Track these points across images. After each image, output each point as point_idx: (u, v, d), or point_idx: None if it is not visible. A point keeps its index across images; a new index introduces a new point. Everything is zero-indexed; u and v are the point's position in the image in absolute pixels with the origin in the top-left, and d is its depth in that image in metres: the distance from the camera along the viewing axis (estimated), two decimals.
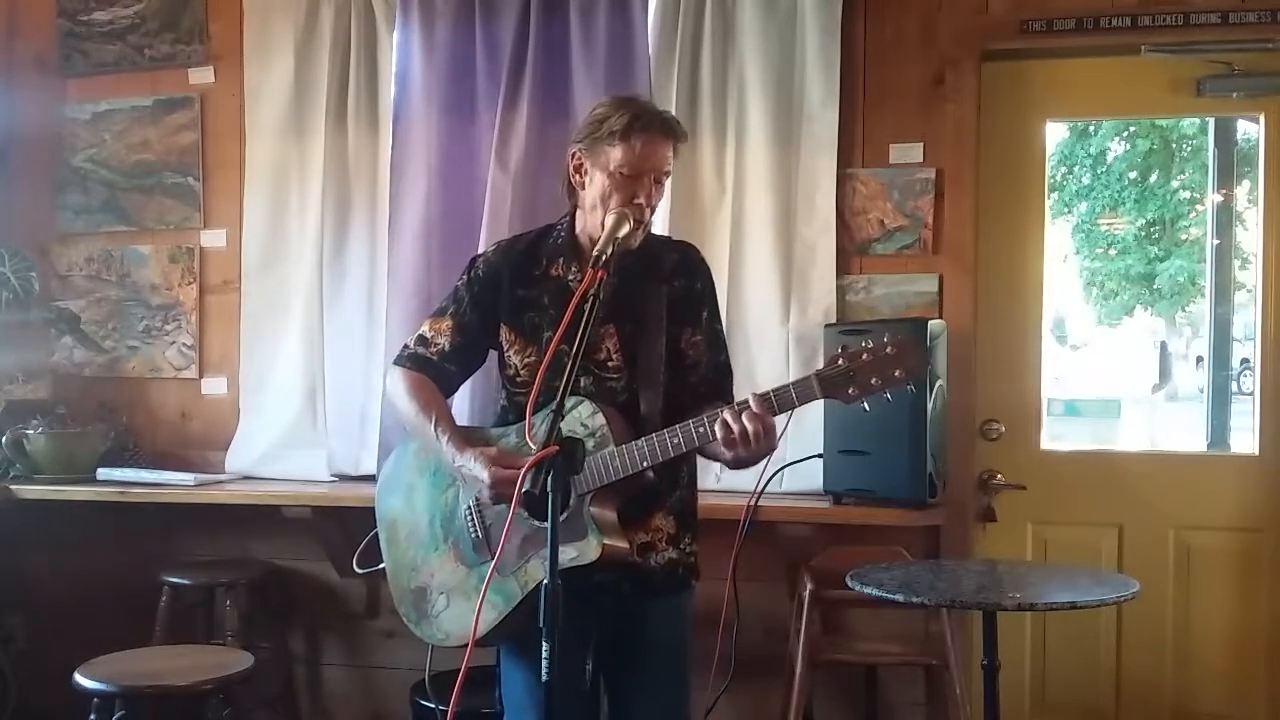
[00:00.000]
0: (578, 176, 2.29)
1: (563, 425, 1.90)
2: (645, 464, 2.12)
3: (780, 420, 2.12)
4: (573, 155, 2.29)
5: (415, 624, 2.37)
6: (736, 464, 2.13)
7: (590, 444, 2.13)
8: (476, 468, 2.20)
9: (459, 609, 2.29)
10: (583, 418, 2.18)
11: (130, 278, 3.99)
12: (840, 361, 2.03)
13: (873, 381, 2.01)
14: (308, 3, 3.74)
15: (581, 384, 2.22)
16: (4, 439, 3.71)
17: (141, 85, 3.97)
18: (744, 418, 2.04)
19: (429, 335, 2.39)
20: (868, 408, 2.06)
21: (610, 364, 2.27)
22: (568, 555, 2.11)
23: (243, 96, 3.83)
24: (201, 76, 3.92)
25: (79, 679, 2.75)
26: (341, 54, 3.73)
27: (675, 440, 2.10)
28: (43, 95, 4.04)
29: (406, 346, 2.42)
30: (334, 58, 3.72)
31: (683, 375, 2.31)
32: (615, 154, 2.20)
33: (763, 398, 2.05)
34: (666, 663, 2.34)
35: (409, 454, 2.46)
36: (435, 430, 2.29)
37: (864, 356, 2.02)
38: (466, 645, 2.07)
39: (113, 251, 4.00)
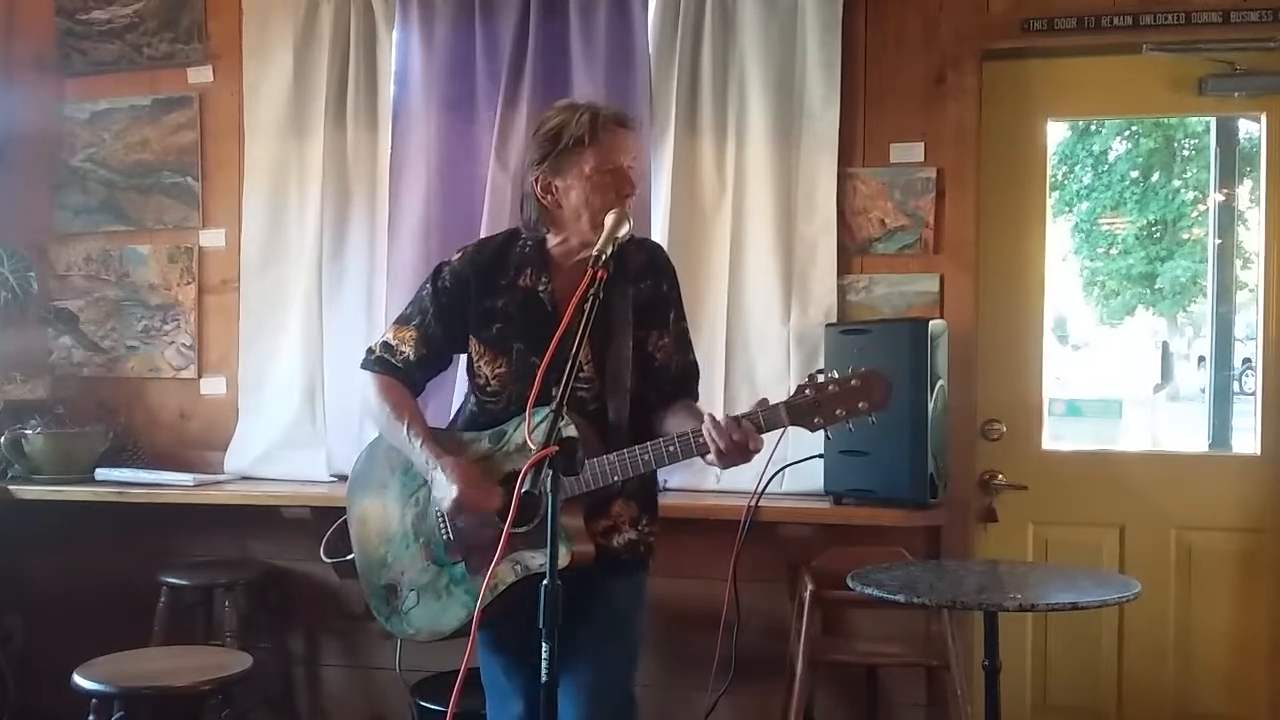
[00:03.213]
0: (550, 197, 2.28)
1: (527, 436, 1.93)
2: (616, 478, 2.18)
3: None
4: (536, 180, 2.27)
5: (385, 619, 2.40)
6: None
7: None
8: (449, 478, 2.23)
9: (429, 607, 2.32)
10: None
11: (129, 277, 3.98)
12: (807, 392, 2.10)
13: (837, 412, 2.08)
14: (307, 1, 3.73)
15: (553, 394, 2.22)
16: (3, 439, 3.70)
17: (140, 84, 3.96)
18: (719, 435, 2.08)
19: (394, 344, 2.41)
20: (830, 436, 2.13)
21: (581, 373, 2.26)
22: (537, 561, 2.15)
23: (241, 96, 3.83)
24: (200, 76, 3.91)
25: (78, 679, 2.74)
26: (341, 53, 3.72)
27: (645, 457, 2.16)
28: (41, 94, 4.03)
29: (372, 351, 2.44)
30: (333, 56, 3.71)
31: (651, 377, 2.34)
32: (588, 157, 2.22)
33: (734, 420, 2.09)
34: (614, 625, 2.31)
35: (380, 451, 2.47)
36: (408, 433, 2.32)
37: (830, 388, 2.08)
38: (435, 640, 2.25)
39: (111, 251, 4.00)
